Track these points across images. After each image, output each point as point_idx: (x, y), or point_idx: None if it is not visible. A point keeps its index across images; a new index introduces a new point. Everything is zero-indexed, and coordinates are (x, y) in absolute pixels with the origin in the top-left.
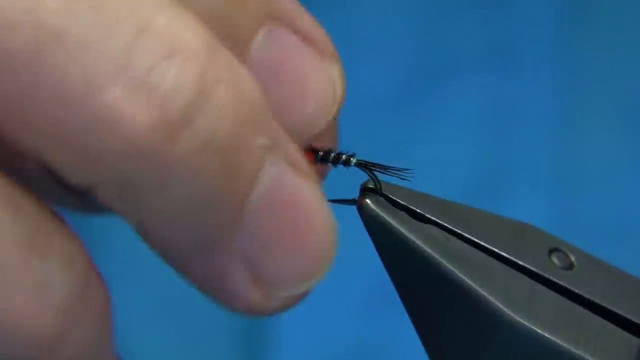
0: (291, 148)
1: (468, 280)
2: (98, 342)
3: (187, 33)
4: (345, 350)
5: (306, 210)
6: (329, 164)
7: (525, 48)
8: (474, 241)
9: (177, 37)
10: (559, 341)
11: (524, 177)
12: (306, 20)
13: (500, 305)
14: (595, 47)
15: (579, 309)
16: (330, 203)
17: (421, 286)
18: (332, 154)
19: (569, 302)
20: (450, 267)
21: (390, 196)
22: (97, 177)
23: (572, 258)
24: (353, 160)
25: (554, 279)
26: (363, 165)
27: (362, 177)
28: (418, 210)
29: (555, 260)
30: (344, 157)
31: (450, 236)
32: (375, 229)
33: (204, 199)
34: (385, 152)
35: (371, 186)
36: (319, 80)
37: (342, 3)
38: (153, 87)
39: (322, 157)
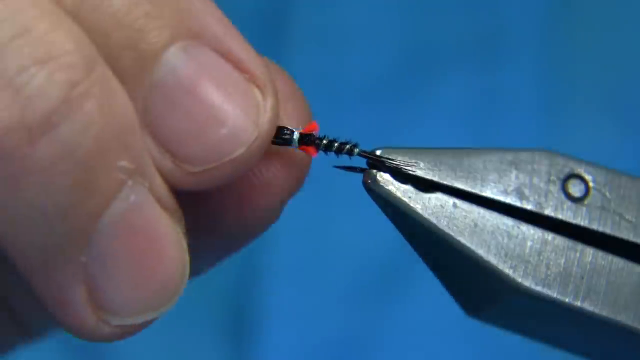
0: (158, 179)
1: (475, 251)
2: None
3: (68, 43)
4: (330, 341)
5: (159, 243)
6: (332, 153)
7: (512, 39)
8: (479, 196)
9: (56, 45)
10: (567, 300)
11: None
12: (235, 41)
13: (508, 272)
14: (582, 38)
15: (588, 255)
16: (338, 169)
17: (432, 249)
18: (336, 144)
19: (578, 249)
20: (457, 238)
21: (393, 163)
22: None
23: (590, 182)
24: (356, 150)
25: (564, 219)
26: (366, 156)
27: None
28: (421, 176)
29: (570, 189)
30: (347, 146)
31: (457, 201)
32: (382, 202)
33: (53, 209)
34: (373, 142)
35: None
36: (239, 102)
37: None
38: (19, 88)
39: (325, 146)
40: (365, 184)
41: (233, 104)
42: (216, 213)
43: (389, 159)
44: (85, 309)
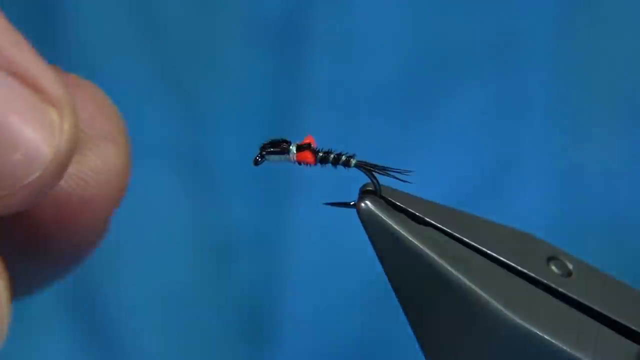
0: None
1: (468, 282)
2: None
3: None
4: (346, 347)
5: None
6: (329, 165)
7: (527, 43)
8: (472, 245)
9: None
10: (559, 343)
11: (528, 173)
12: (24, 56)
13: (500, 307)
14: (598, 41)
15: (578, 314)
16: (329, 205)
17: (420, 288)
18: (332, 155)
19: (568, 307)
20: (449, 268)
21: (389, 199)
22: None
23: (570, 266)
24: (353, 162)
25: (553, 285)
26: (363, 167)
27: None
28: (417, 214)
29: (553, 267)
30: (343, 158)
31: (449, 239)
32: (375, 230)
33: None
34: (389, 151)
35: (370, 188)
36: (32, 124)
37: (344, 3)
38: None
39: (321, 158)
40: (361, 207)
41: (26, 126)
42: (41, 236)
43: (385, 167)
44: None
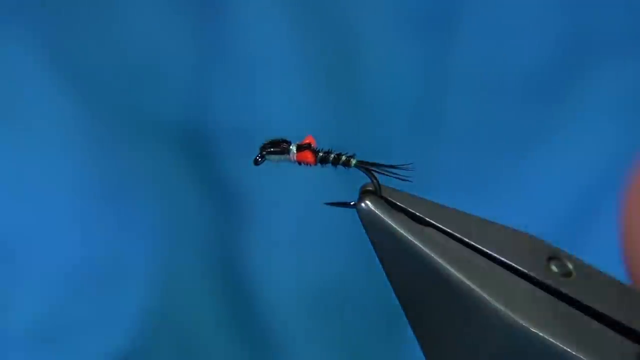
0: None
1: (468, 281)
2: None
3: None
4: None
5: None
6: (329, 165)
7: None
8: (472, 245)
9: None
10: (558, 343)
11: None
12: None
13: (500, 307)
14: None
15: (578, 314)
16: (329, 205)
17: (420, 287)
18: (332, 155)
19: (568, 307)
20: (449, 268)
21: (390, 199)
22: None
23: (570, 266)
24: (353, 161)
25: (553, 285)
26: (363, 166)
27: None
28: (417, 213)
29: (553, 267)
30: (343, 157)
31: (448, 239)
32: (375, 230)
33: None
34: (528, 135)
35: (370, 188)
36: None
37: None
38: None
39: (322, 157)
40: (361, 206)
41: None
42: None
43: (385, 165)
44: None
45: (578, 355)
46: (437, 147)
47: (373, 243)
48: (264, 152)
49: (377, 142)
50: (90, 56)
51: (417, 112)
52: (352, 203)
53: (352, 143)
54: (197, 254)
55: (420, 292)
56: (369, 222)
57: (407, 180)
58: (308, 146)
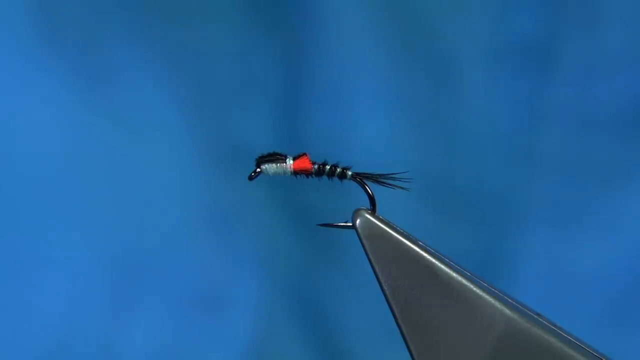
0: None
1: (470, 285)
2: None
3: None
4: None
5: None
6: (325, 177)
7: None
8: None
9: None
10: (556, 341)
11: None
12: None
13: (500, 306)
14: None
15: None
16: (323, 227)
17: (419, 294)
18: (328, 167)
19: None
20: (452, 273)
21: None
22: None
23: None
24: (349, 173)
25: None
26: (358, 179)
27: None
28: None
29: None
30: (339, 170)
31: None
32: (373, 240)
33: None
34: (623, 172)
35: (363, 208)
36: None
37: (592, 21)
38: None
39: (317, 169)
40: (358, 223)
41: None
42: None
43: (381, 175)
44: None
45: (574, 353)
46: (529, 181)
47: (371, 255)
48: (260, 164)
49: (469, 175)
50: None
51: (511, 145)
52: (346, 222)
53: (443, 175)
54: (292, 287)
55: (418, 298)
56: (368, 234)
57: (405, 189)
58: (304, 154)
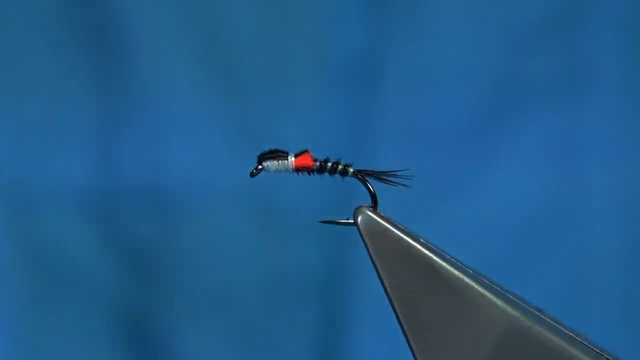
0: None
1: (472, 283)
2: None
3: None
4: None
5: None
6: (326, 174)
7: (595, 78)
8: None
9: None
10: (558, 339)
11: (594, 207)
12: None
13: (502, 304)
14: None
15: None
16: (325, 223)
17: (421, 292)
18: (330, 164)
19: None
20: (453, 271)
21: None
22: None
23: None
24: (350, 170)
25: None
26: (360, 176)
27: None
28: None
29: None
30: (340, 167)
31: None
32: (374, 237)
33: None
34: (455, 180)
35: (364, 205)
36: None
37: (418, 35)
38: None
39: (319, 167)
40: (360, 220)
41: None
42: None
43: (383, 172)
44: None
45: (576, 352)
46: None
47: (372, 252)
48: (261, 161)
49: (303, 198)
50: None
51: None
52: (347, 219)
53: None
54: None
55: (419, 295)
56: (369, 231)
57: (406, 186)
58: (305, 151)
